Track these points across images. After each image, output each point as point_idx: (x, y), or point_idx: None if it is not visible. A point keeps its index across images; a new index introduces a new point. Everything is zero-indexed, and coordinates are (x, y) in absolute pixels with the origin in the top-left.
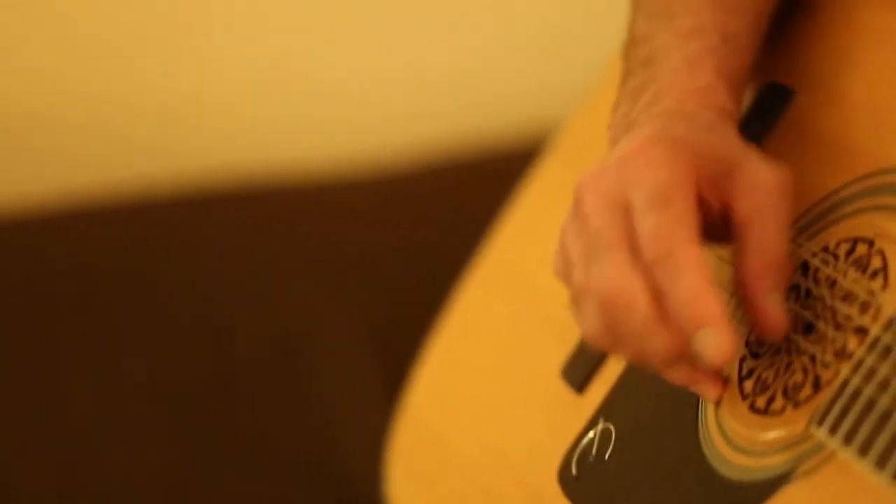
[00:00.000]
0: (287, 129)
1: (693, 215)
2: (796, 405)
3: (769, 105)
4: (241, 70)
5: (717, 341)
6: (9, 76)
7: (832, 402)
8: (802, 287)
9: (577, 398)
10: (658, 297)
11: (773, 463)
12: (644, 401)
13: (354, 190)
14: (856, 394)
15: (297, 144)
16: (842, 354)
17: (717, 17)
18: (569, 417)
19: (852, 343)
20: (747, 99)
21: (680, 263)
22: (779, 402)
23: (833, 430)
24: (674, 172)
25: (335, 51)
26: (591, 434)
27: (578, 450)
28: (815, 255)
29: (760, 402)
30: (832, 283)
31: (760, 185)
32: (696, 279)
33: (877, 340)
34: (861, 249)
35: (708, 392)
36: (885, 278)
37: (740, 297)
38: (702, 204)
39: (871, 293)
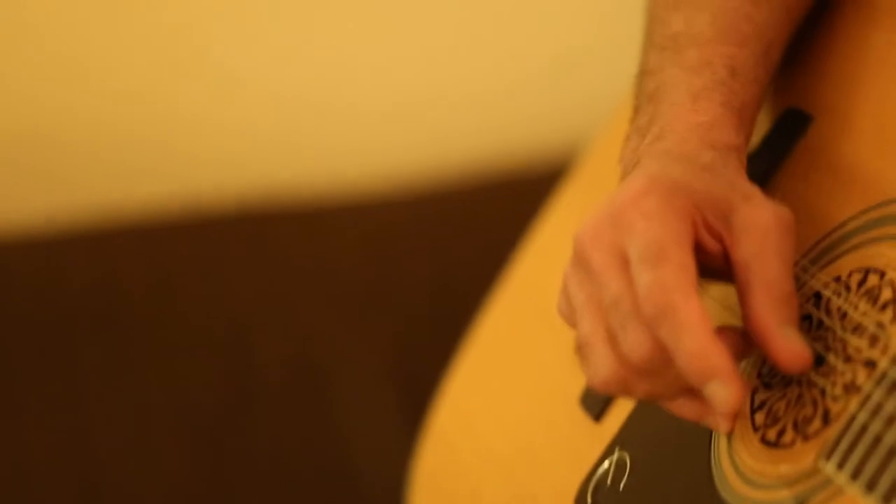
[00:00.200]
0: (311, 153)
1: (690, 267)
2: (806, 438)
3: (787, 131)
4: (266, 92)
5: (725, 393)
6: (31, 102)
7: (840, 436)
8: (815, 318)
9: (595, 426)
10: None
11: (783, 497)
12: (658, 431)
13: (377, 214)
14: (863, 429)
15: (320, 168)
16: (851, 388)
17: (724, 49)
18: (587, 445)
19: (861, 376)
20: (767, 124)
21: (680, 319)
22: (789, 435)
23: (841, 464)
24: (668, 223)
25: (358, 74)
26: (606, 463)
27: (594, 479)
28: (826, 285)
29: (771, 434)
30: (843, 315)
31: (758, 226)
32: (697, 333)
33: (884, 375)
34: (872, 280)
35: (720, 425)
36: (895, 311)
37: (752, 337)
38: (701, 248)
39: (881, 326)
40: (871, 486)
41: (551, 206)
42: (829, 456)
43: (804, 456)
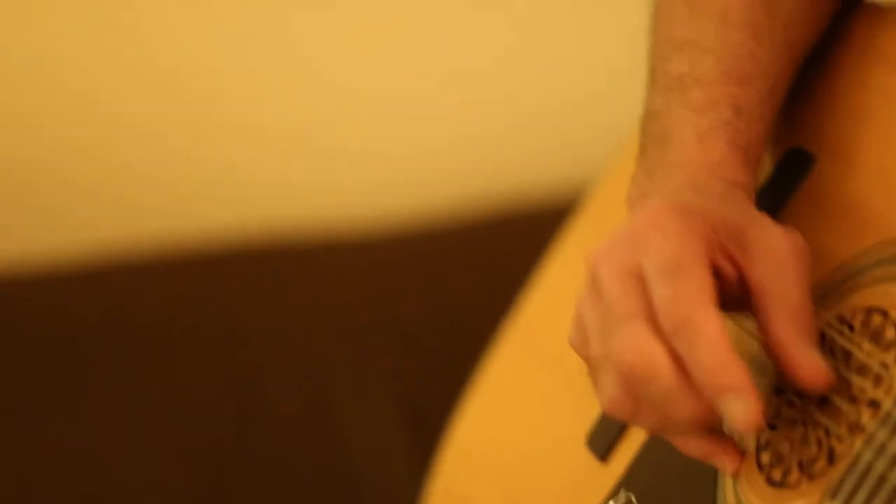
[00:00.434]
0: (317, 188)
1: (708, 281)
2: (811, 478)
3: (790, 171)
4: (270, 132)
5: (743, 408)
6: (37, 139)
7: (845, 476)
8: None
9: (601, 466)
10: (680, 364)
11: None
12: (664, 472)
13: (385, 249)
14: (867, 468)
15: (328, 203)
16: (855, 428)
17: (728, 90)
18: (593, 486)
19: (865, 416)
20: (769, 164)
21: (699, 330)
22: (794, 475)
23: None
24: (685, 241)
25: (360, 112)
26: None
27: None
28: (830, 324)
29: (777, 474)
30: (847, 355)
31: (773, 250)
32: (716, 346)
33: (888, 415)
34: (876, 320)
35: (726, 465)
36: None
37: (773, 359)
38: (716, 272)
39: (885, 366)
40: None
41: (558, 244)
42: (833, 495)
43: (810, 495)
